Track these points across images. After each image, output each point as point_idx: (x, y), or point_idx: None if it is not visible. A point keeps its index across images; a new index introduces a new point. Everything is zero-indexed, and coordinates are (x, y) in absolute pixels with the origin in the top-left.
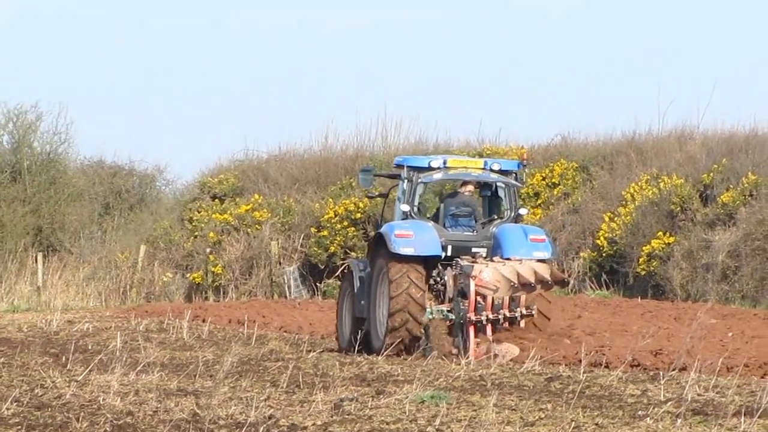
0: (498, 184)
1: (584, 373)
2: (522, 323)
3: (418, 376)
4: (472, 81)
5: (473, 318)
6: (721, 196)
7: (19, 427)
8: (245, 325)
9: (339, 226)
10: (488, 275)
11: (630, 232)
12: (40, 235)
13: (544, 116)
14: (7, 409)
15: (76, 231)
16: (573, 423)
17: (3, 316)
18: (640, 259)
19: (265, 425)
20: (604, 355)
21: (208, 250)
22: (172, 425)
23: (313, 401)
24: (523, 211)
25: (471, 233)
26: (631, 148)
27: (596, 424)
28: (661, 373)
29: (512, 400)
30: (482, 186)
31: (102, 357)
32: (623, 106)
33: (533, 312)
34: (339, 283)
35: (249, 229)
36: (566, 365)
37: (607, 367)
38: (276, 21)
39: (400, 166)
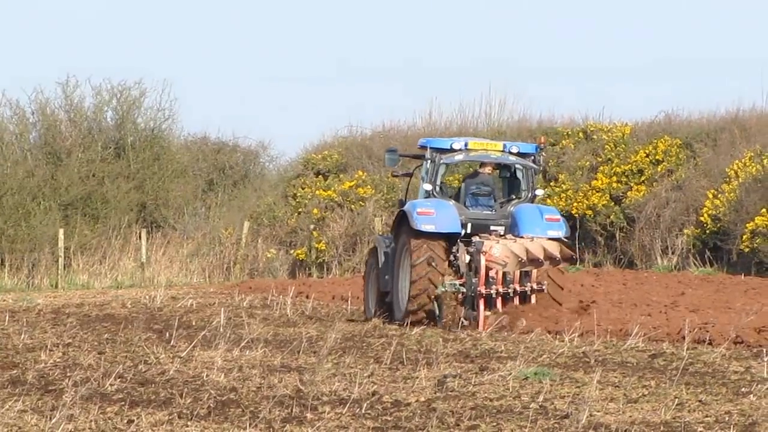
0: (516, 166)
1: (687, 350)
2: (533, 298)
3: (522, 353)
4: (573, 59)
5: (483, 291)
6: None
7: (123, 402)
8: (349, 302)
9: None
10: (498, 251)
11: (733, 209)
12: (144, 212)
13: (648, 93)
14: (111, 384)
15: (180, 207)
16: (676, 400)
17: (107, 292)
18: (744, 236)
19: (368, 401)
20: (707, 332)
21: (311, 226)
22: (275, 401)
23: (417, 378)
24: (539, 192)
25: (490, 212)
26: (735, 125)
27: (699, 401)
28: (764, 350)
29: (616, 377)
30: (501, 167)
31: (206, 333)
32: (727, 83)
33: (544, 287)
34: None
35: (353, 206)
36: (669, 342)
37: (710, 344)
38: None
39: (423, 147)
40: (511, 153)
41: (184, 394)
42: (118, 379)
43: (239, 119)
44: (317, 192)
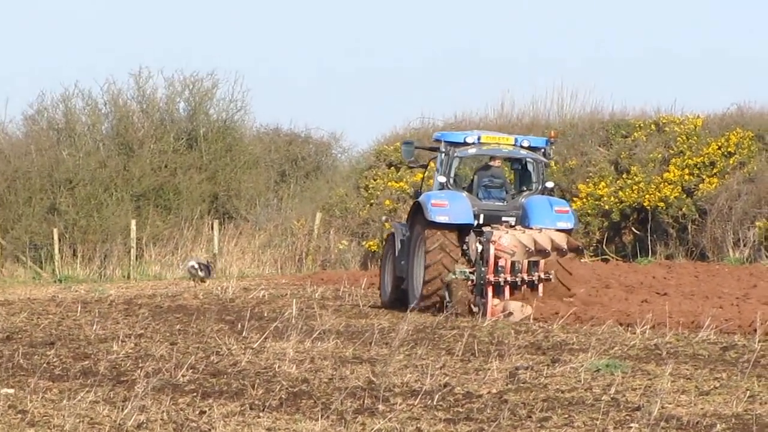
0: (527, 159)
1: (759, 342)
2: (540, 287)
3: (593, 345)
4: (646, 51)
5: (492, 279)
6: None
7: (195, 393)
8: None
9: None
10: (506, 241)
11: None
12: (216, 203)
13: (720, 85)
14: (183, 375)
15: (252, 198)
16: (748, 392)
17: (179, 283)
18: None
19: (440, 393)
20: None
21: (383, 218)
22: (347, 393)
23: (489, 369)
24: (549, 184)
25: (501, 203)
26: None
27: None
28: None
29: (687, 369)
30: (513, 161)
31: (278, 324)
32: None
33: (551, 277)
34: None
35: None
36: (741, 334)
37: None
38: None
39: (438, 140)
40: (522, 147)
41: (255, 386)
42: (190, 370)
43: (311, 111)
44: (389, 183)
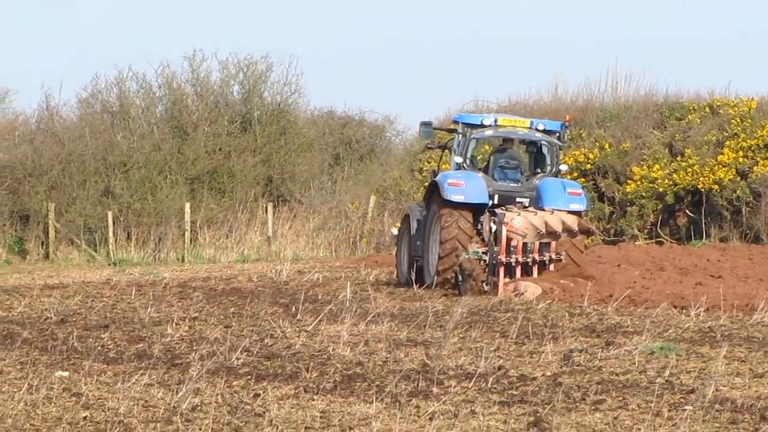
0: (542, 142)
1: None
2: (551, 267)
3: (648, 328)
4: (701, 33)
5: (504, 260)
6: None
7: (249, 376)
8: None
9: (569, 177)
10: (518, 223)
11: None
12: (271, 185)
13: None
14: (237, 358)
15: (306, 181)
16: None
17: (234, 266)
18: None
19: (494, 376)
20: None
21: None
22: (401, 375)
23: (543, 352)
24: (563, 167)
25: (516, 185)
26: None
27: None
28: None
29: (742, 352)
30: (528, 143)
31: (332, 307)
32: None
33: (561, 257)
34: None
35: None
36: None
37: None
38: None
39: (456, 122)
40: (537, 130)
41: (310, 368)
42: (245, 353)
43: (365, 93)
44: (443, 166)
